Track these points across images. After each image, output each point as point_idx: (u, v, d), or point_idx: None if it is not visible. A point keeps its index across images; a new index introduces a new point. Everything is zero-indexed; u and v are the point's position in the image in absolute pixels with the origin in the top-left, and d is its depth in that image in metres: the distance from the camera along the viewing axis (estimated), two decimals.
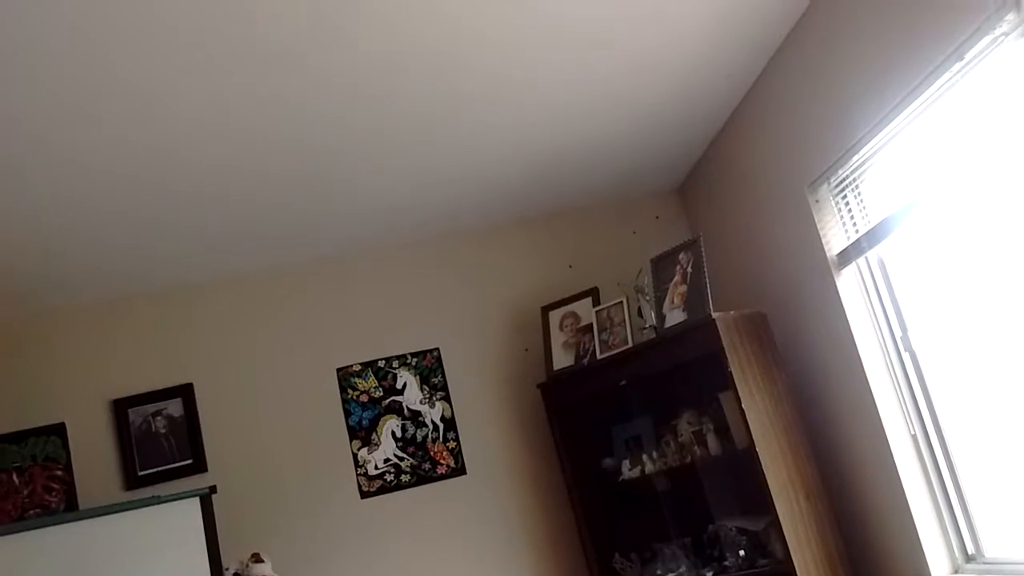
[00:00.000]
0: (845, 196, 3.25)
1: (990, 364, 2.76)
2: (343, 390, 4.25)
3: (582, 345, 4.08)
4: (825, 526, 3.39)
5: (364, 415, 4.24)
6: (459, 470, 4.23)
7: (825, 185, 3.31)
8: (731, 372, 3.39)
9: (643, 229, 4.55)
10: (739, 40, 3.23)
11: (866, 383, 3.20)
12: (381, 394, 4.27)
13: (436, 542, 4.12)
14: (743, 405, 3.37)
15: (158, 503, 3.40)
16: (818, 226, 3.34)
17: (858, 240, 3.17)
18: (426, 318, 4.38)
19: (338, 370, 4.27)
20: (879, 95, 2.84)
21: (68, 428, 3.97)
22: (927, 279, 3.00)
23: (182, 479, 3.98)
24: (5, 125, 2.61)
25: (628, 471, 3.94)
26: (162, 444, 4.05)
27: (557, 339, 4.19)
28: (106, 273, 3.90)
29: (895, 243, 3.07)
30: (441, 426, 4.27)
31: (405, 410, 4.27)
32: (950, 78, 2.55)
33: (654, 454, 3.87)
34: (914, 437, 3.14)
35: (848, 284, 3.29)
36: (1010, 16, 2.30)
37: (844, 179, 3.20)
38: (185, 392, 4.11)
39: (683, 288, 3.68)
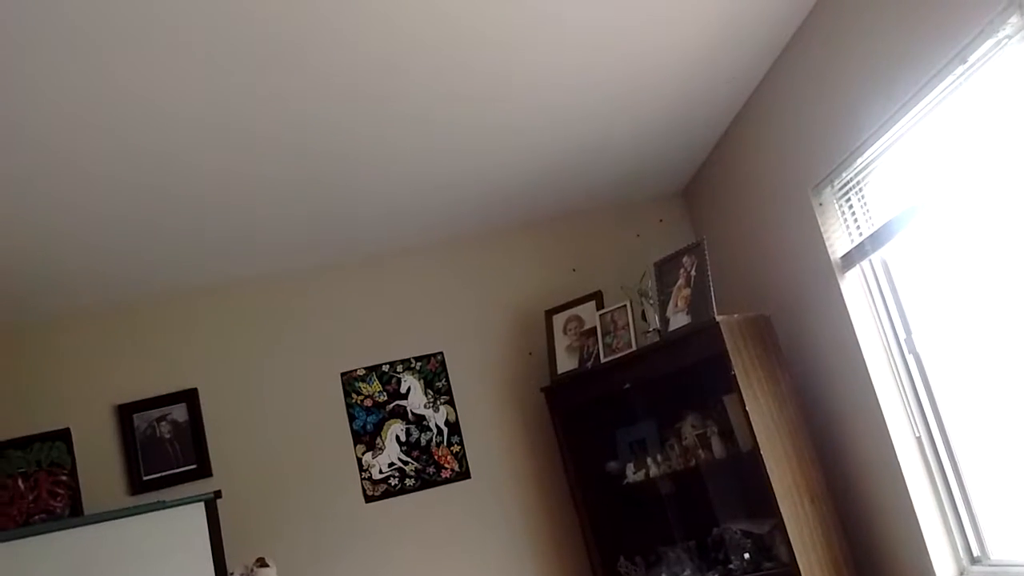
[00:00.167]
0: (849, 199, 3.25)
1: (994, 366, 2.76)
2: (347, 394, 4.25)
3: (586, 348, 4.08)
4: (830, 529, 3.38)
5: (368, 419, 4.24)
6: (463, 474, 4.23)
7: (829, 188, 3.31)
8: (735, 375, 3.39)
9: (647, 232, 4.55)
10: (742, 44, 3.23)
11: (870, 385, 3.20)
12: (385, 398, 4.27)
13: (440, 546, 4.12)
14: (747, 408, 3.37)
15: (163, 508, 3.40)
16: (822, 229, 3.34)
17: (862, 243, 3.17)
18: (430, 322, 4.38)
19: (342, 374, 4.27)
20: (883, 98, 2.84)
21: (73, 433, 3.98)
22: (931, 281, 2.99)
23: (187, 484, 3.98)
24: (7, 132, 2.62)
25: (632, 474, 3.94)
26: (167, 449, 4.05)
27: (561, 343, 4.19)
28: (110, 278, 3.90)
29: (899, 246, 3.07)
30: (445, 430, 4.27)
31: (409, 414, 4.27)
32: (954, 81, 2.55)
33: (658, 457, 3.86)
34: (919, 439, 3.14)
35: (852, 287, 3.29)
36: (1014, 19, 2.30)
37: (848, 182, 3.21)
38: (190, 397, 4.11)
39: (687, 291, 3.68)
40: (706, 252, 3.64)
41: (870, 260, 3.22)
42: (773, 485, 3.32)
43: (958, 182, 2.67)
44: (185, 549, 3.36)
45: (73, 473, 3.92)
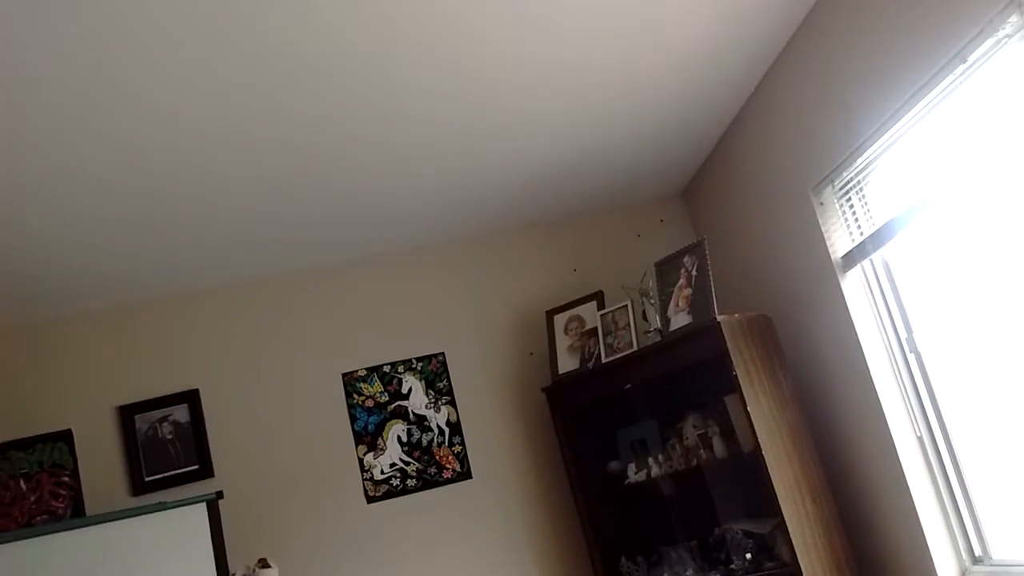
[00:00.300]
0: (849, 198, 3.25)
1: (996, 365, 2.76)
2: (348, 395, 4.26)
3: (587, 349, 4.08)
4: (831, 528, 3.38)
5: (370, 420, 4.24)
6: (465, 474, 4.23)
7: (829, 188, 3.31)
8: (736, 375, 3.39)
9: (647, 232, 4.55)
10: (742, 44, 3.23)
11: (872, 385, 3.20)
12: (387, 399, 4.28)
13: (442, 546, 4.13)
14: (748, 408, 3.37)
15: (165, 509, 3.41)
16: (822, 229, 3.34)
17: (863, 242, 3.17)
18: (431, 323, 4.39)
19: (343, 375, 4.28)
20: (883, 97, 2.84)
21: (75, 434, 3.99)
22: (932, 281, 2.99)
23: (189, 485, 3.99)
24: (8, 135, 2.62)
25: (634, 474, 3.94)
26: (168, 450, 4.06)
27: (562, 343, 4.20)
28: (111, 280, 3.91)
29: (900, 245, 3.07)
30: (447, 430, 4.27)
31: (411, 415, 4.27)
32: (954, 80, 2.55)
33: (660, 457, 3.86)
34: (920, 439, 3.14)
35: (853, 286, 3.28)
36: (1013, 18, 2.30)
37: (848, 181, 3.20)
38: (191, 398, 4.12)
39: (688, 291, 3.68)
40: (707, 252, 3.64)
41: (871, 260, 3.21)
42: (775, 485, 3.31)
43: (959, 181, 2.66)
44: (187, 550, 3.36)
45: (75, 474, 3.92)
